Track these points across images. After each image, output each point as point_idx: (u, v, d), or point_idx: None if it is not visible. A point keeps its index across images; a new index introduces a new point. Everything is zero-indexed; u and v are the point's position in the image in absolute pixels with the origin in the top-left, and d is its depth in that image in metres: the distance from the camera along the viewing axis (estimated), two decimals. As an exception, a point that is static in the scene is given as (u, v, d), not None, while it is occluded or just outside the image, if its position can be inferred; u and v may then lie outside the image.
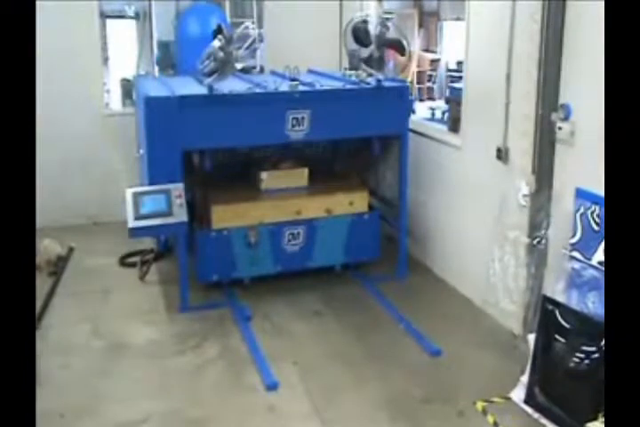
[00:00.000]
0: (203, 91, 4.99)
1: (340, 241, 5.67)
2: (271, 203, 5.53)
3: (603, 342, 3.53)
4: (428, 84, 14.14)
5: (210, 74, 4.94)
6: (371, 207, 5.87)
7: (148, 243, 6.27)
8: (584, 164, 4.05)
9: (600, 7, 3.60)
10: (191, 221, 5.24)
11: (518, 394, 4.05)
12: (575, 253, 3.99)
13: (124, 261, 6.27)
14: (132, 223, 4.74)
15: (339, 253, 5.70)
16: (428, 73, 14.23)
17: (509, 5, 4.57)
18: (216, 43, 4.86)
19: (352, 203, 5.69)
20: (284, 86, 5.22)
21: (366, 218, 5.75)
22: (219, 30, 4.95)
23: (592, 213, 3.88)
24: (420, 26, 14.39)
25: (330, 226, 5.61)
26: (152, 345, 4.79)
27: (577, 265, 3.97)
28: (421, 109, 11.01)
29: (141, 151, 5.59)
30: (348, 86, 5.47)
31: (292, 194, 5.63)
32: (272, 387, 4.22)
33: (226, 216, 5.38)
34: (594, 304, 3.82)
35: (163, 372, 4.45)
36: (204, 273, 5.43)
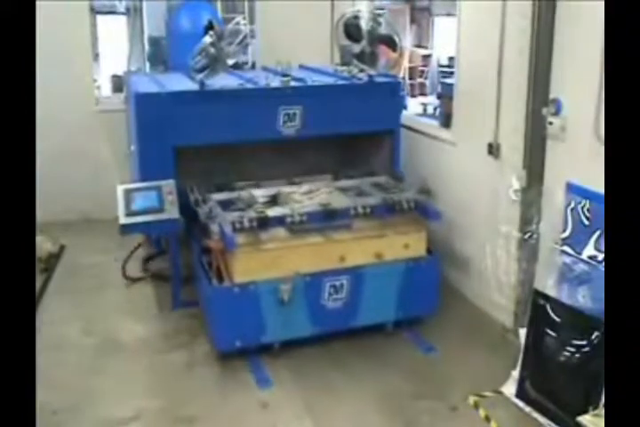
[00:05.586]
0: (194, 87, 4.97)
1: (393, 293, 4.65)
2: (308, 247, 4.46)
3: (593, 336, 3.56)
4: (420, 80, 14.17)
5: (201, 70, 4.92)
6: (429, 250, 4.80)
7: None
8: (575, 158, 4.06)
9: (592, 3, 3.62)
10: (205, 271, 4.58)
11: (510, 388, 4.07)
12: (566, 248, 4.01)
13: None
14: (123, 220, 4.72)
15: (390, 308, 4.68)
16: (420, 69, 14.27)
17: (500, 1, 4.58)
18: (207, 39, 4.84)
19: (407, 245, 4.64)
20: (276, 82, 5.20)
21: (424, 264, 4.70)
22: (210, 26, 4.93)
23: (583, 207, 3.90)
24: (412, 22, 14.41)
25: (380, 275, 4.58)
26: (144, 342, 4.78)
27: (568, 259, 3.99)
28: (413, 105, 11.05)
29: (132, 148, 5.57)
30: (340, 82, 5.45)
31: (334, 235, 4.55)
32: (265, 384, 4.22)
33: (252, 266, 4.31)
34: (584, 298, 3.84)
35: (155, 369, 4.45)
36: (225, 339, 4.40)
